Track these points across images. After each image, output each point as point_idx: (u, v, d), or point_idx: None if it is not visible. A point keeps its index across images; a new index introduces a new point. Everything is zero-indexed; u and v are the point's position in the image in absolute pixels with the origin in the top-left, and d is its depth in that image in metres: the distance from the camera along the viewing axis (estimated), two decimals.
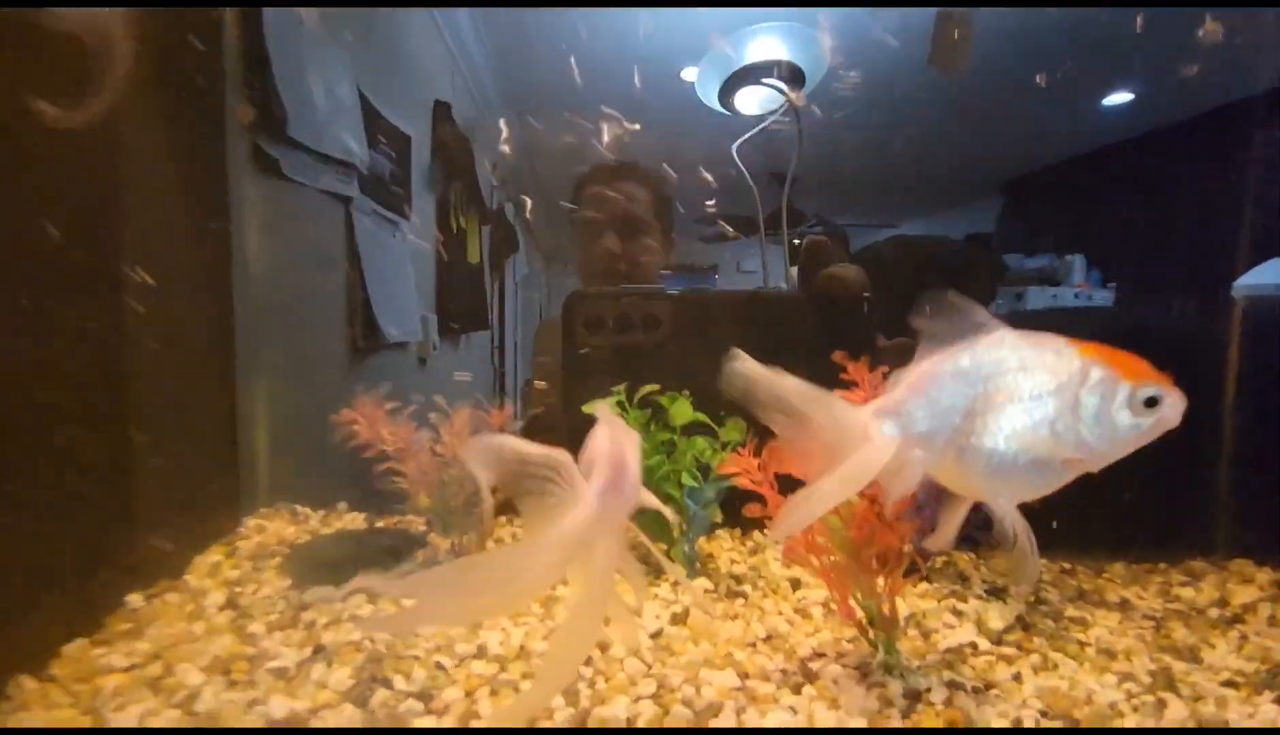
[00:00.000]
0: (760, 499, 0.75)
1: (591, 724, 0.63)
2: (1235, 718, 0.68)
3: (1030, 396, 0.58)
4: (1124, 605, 0.96)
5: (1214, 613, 0.93)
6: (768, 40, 1.74)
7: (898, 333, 1.08)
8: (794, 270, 1.60)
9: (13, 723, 0.64)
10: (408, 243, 2.09)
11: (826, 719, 0.63)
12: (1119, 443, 0.58)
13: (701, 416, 1.02)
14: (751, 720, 0.63)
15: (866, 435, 0.60)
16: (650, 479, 0.99)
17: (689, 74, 1.61)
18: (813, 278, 1.21)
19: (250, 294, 1.18)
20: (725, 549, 1.14)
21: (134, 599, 0.85)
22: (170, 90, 0.99)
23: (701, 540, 1.13)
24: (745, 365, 0.61)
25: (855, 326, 1.14)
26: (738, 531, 1.21)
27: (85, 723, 0.63)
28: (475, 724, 0.64)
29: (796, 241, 1.63)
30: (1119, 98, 1.43)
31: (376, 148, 1.87)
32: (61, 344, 0.78)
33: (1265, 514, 1.06)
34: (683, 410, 1.01)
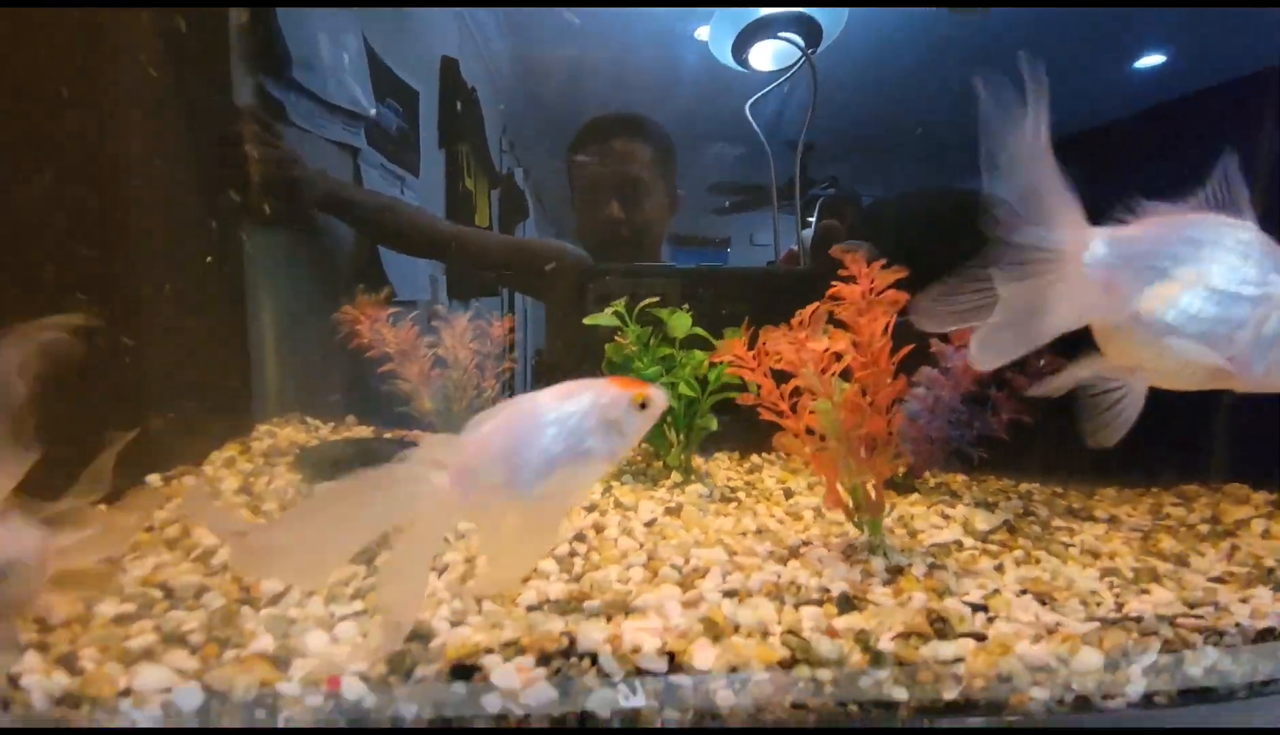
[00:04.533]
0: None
1: (585, 586, 0.66)
2: (1226, 601, 0.68)
3: (1224, 287, 0.52)
4: (1112, 520, 0.97)
5: (1204, 528, 0.94)
6: None
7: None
8: (805, 234, 1.57)
9: None
10: (415, 198, 2.09)
11: (809, 583, 0.66)
12: None
13: (700, 331, 1.04)
14: (737, 583, 0.66)
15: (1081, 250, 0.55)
16: None
17: (703, 33, 1.58)
18: (824, 258, 1.22)
19: (259, 237, 1.20)
20: (724, 468, 1.16)
21: (153, 479, 0.89)
22: (172, 33, 0.99)
23: (699, 460, 1.15)
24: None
25: None
26: (736, 455, 1.24)
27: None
28: (469, 584, 0.67)
29: (810, 219, 1.60)
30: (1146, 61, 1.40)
31: (384, 102, 1.85)
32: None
33: (1262, 439, 1.05)
34: (682, 323, 1.03)
